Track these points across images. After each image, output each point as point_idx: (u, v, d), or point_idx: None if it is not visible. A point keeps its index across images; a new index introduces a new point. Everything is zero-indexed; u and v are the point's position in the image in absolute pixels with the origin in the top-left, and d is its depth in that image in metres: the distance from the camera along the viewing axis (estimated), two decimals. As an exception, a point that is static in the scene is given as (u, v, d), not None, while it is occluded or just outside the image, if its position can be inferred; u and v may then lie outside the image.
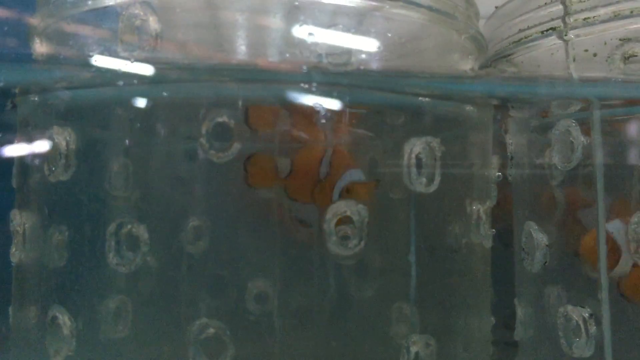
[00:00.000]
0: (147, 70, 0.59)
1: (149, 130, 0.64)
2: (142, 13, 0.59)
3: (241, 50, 0.62)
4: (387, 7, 0.64)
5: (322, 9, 0.62)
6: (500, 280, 0.75)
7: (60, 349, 0.61)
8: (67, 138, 0.62)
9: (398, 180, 0.64)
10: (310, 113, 0.62)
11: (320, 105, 0.61)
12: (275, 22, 0.62)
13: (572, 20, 0.69)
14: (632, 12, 0.65)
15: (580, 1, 0.67)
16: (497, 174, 0.74)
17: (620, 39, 0.67)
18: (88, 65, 0.61)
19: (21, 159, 0.69)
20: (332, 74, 0.61)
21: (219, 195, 0.66)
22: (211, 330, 0.58)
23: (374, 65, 0.64)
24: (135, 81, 0.60)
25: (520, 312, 0.75)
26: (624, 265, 0.66)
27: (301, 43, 0.60)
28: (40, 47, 0.67)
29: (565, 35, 0.69)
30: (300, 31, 0.60)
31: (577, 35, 0.68)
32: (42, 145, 0.64)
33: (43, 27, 0.66)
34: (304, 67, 0.60)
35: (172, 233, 0.64)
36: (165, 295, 0.63)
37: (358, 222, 0.59)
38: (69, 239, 0.63)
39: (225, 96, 0.62)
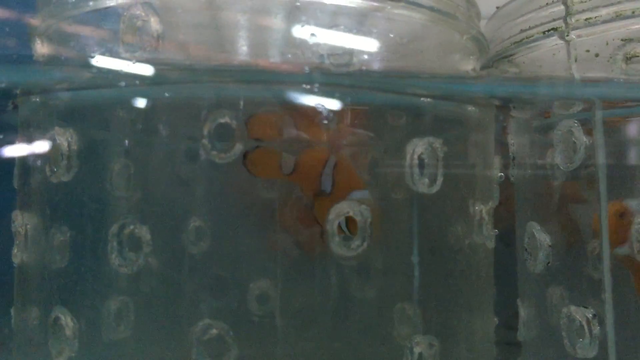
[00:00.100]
0: (148, 71, 0.59)
1: (151, 131, 0.64)
2: (143, 14, 0.59)
3: (243, 50, 0.62)
4: (389, 7, 0.64)
5: (323, 9, 0.62)
6: (502, 281, 0.75)
7: (63, 350, 0.61)
8: (69, 139, 0.62)
9: (400, 181, 0.64)
10: (312, 114, 0.61)
11: (322, 106, 0.61)
12: (276, 22, 0.62)
13: (573, 20, 0.68)
14: (633, 12, 0.65)
15: (582, 1, 0.67)
16: (499, 174, 0.74)
17: (622, 40, 0.67)
18: (89, 66, 0.61)
19: (23, 159, 0.68)
20: (333, 74, 0.61)
21: (220, 196, 0.65)
22: (214, 331, 0.58)
23: (376, 66, 0.64)
24: (136, 82, 0.60)
25: (523, 312, 0.75)
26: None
27: (303, 44, 0.60)
28: (41, 48, 0.67)
29: (567, 35, 0.69)
30: (302, 32, 0.60)
31: (579, 36, 0.68)
32: (43, 146, 0.64)
33: (44, 28, 0.66)
34: (306, 68, 0.60)
35: (174, 234, 0.64)
36: (168, 296, 0.63)
37: (361, 222, 0.59)
38: (71, 240, 0.63)
39: (227, 97, 0.61)
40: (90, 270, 0.63)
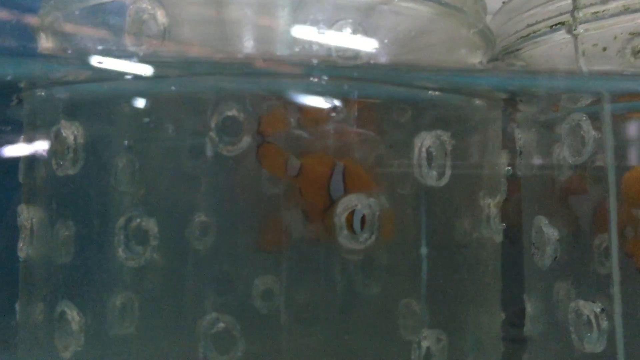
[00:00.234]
0: (154, 64, 0.59)
1: (157, 125, 0.63)
2: (149, 7, 0.59)
3: (249, 44, 0.62)
4: (396, 0, 0.63)
5: (330, 2, 0.61)
6: (508, 276, 0.74)
7: (69, 344, 0.60)
8: (75, 132, 0.62)
9: (408, 175, 0.63)
10: (320, 108, 0.61)
11: (330, 99, 0.61)
12: (283, 15, 0.62)
13: (581, 14, 0.68)
14: (642, 5, 0.65)
15: (589, -5, 0.67)
16: (507, 168, 0.74)
17: (630, 33, 0.67)
18: (95, 60, 0.60)
19: (28, 153, 0.68)
20: (341, 67, 0.60)
21: (226, 191, 0.65)
22: (221, 325, 0.58)
23: (383, 59, 0.64)
24: (143, 75, 0.60)
25: (530, 307, 0.75)
26: None
27: (310, 37, 0.60)
28: (46, 42, 0.66)
29: (574, 29, 0.68)
30: (309, 25, 0.60)
31: (587, 30, 0.68)
32: (49, 140, 0.63)
33: (49, 22, 0.66)
34: (314, 61, 0.60)
35: (180, 228, 0.64)
36: (174, 291, 0.63)
37: (369, 215, 0.59)
38: (77, 234, 0.63)
39: (233, 90, 0.61)
40: (96, 264, 0.63)
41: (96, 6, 0.63)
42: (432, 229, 0.65)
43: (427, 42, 0.70)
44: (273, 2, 0.62)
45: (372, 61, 0.62)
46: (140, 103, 0.62)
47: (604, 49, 0.69)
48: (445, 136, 0.63)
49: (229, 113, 0.59)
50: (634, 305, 0.65)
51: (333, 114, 0.61)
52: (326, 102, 0.61)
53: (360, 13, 0.62)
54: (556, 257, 0.69)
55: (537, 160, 0.76)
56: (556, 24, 0.71)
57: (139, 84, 0.61)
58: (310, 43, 0.61)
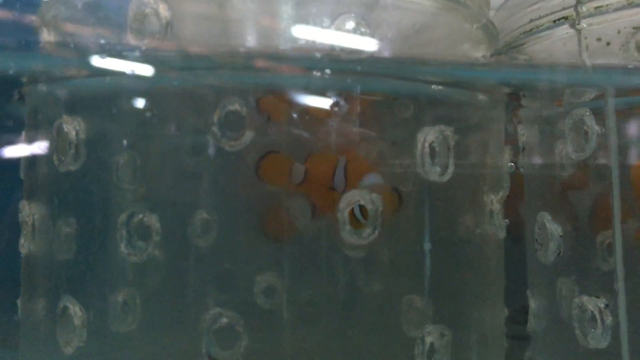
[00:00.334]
0: (157, 59, 0.59)
1: (160, 120, 0.63)
2: (152, 1, 0.58)
3: (252, 39, 0.62)
4: (399, -6, 0.63)
5: (334, -4, 0.61)
6: (510, 272, 0.74)
7: (71, 339, 0.60)
8: (77, 127, 0.61)
9: (411, 170, 0.63)
10: (323, 101, 0.61)
11: (333, 93, 0.60)
12: (286, 10, 0.61)
13: (584, 8, 0.68)
14: (645, -1, 0.65)
15: (593, -11, 0.67)
16: (510, 164, 0.74)
17: (634, 27, 0.67)
18: (97, 54, 0.60)
19: (30, 149, 0.68)
20: (344, 61, 0.60)
21: (228, 188, 0.65)
22: (224, 320, 0.58)
23: (386, 54, 0.63)
24: (144, 70, 0.59)
25: (533, 303, 0.75)
26: None
27: (313, 31, 0.60)
28: (48, 36, 0.66)
29: (578, 24, 0.68)
30: (312, 19, 0.60)
31: (590, 24, 0.68)
32: (51, 135, 0.63)
33: (51, 16, 0.65)
34: (317, 55, 0.59)
35: (182, 224, 0.64)
36: (177, 286, 0.63)
37: (372, 211, 0.59)
38: (79, 229, 0.63)
39: (236, 84, 0.61)
40: (98, 260, 0.62)
41: (98, 1, 0.63)
42: (435, 224, 0.65)
43: (430, 37, 0.69)
44: (277, -5, 0.62)
45: (375, 55, 0.62)
46: (142, 98, 0.62)
47: (608, 44, 0.69)
48: (449, 131, 0.62)
49: (231, 108, 0.58)
50: (638, 301, 0.64)
51: (336, 109, 0.61)
52: (329, 96, 0.61)
53: (363, 7, 0.62)
54: (560, 253, 0.69)
55: (540, 156, 0.76)
56: (559, 19, 0.70)
57: (140, 79, 0.60)
58: (313, 37, 0.60)
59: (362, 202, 0.59)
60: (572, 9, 0.69)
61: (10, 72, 0.60)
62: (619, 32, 0.68)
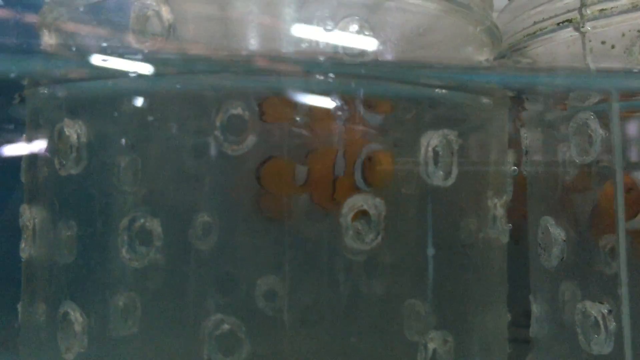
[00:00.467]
0: (158, 62, 0.58)
1: (161, 124, 0.63)
2: (154, 3, 0.58)
3: (254, 42, 0.61)
4: (403, -3, 0.63)
5: (337, -1, 0.61)
6: (513, 276, 0.74)
7: (72, 345, 0.60)
8: (78, 131, 0.61)
9: (414, 174, 0.63)
10: (325, 106, 0.61)
11: (336, 97, 0.60)
12: (289, 13, 0.61)
13: (588, 11, 0.67)
14: (650, 3, 0.64)
15: (597, -8, 0.67)
16: (513, 168, 0.73)
17: (638, 30, 0.66)
18: (98, 57, 0.60)
19: (30, 153, 0.67)
20: (347, 65, 0.60)
21: (229, 191, 0.65)
22: (226, 327, 0.57)
23: (390, 57, 0.63)
24: (147, 73, 0.59)
25: (536, 308, 0.74)
26: None
27: (316, 34, 0.59)
28: (49, 39, 0.66)
29: (582, 27, 0.68)
30: (315, 22, 0.59)
31: (594, 27, 0.67)
32: (52, 139, 0.63)
33: (52, 18, 0.65)
34: (320, 58, 0.59)
35: (184, 229, 0.63)
36: (178, 292, 0.62)
37: (375, 216, 0.58)
38: (80, 234, 0.62)
39: (238, 88, 0.61)
40: (99, 265, 0.62)
41: (100, 2, 0.62)
42: (438, 229, 0.65)
43: (433, 39, 0.69)
44: (278, -1, 0.61)
45: (378, 58, 0.62)
46: (144, 101, 0.61)
47: (612, 47, 0.68)
48: (452, 135, 0.62)
49: (234, 112, 0.58)
50: (641, 306, 0.64)
51: (339, 113, 0.60)
52: (332, 100, 0.61)
53: (366, 10, 0.61)
54: (563, 258, 0.68)
55: (543, 160, 0.75)
56: (563, 22, 0.70)
57: (143, 82, 0.60)
58: (316, 40, 0.60)
59: (364, 207, 0.58)
60: (576, 11, 0.68)
61: (11, 75, 0.59)
62: (623, 35, 0.67)
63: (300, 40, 0.60)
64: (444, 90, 0.65)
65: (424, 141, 0.62)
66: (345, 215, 0.59)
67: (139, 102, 0.61)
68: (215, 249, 0.64)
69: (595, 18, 0.67)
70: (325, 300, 0.63)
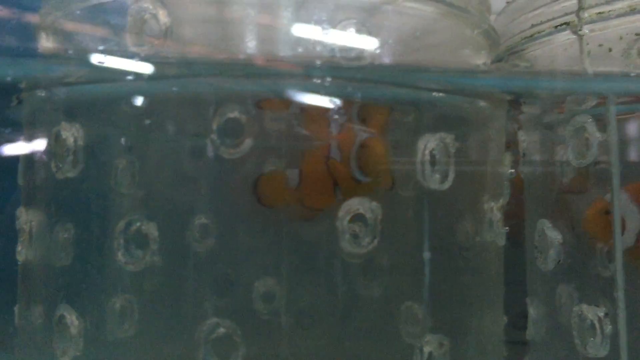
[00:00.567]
0: (156, 65, 0.58)
1: (158, 127, 0.63)
2: (151, 7, 0.58)
3: (251, 45, 0.61)
4: (400, 0, 0.63)
5: (333, 2, 0.61)
6: (509, 279, 0.74)
7: (68, 349, 0.60)
8: (75, 134, 0.61)
9: (411, 177, 0.63)
10: (323, 110, 0.61)
11: (333, 100, 0.60)
12: (286, 15, 0.61)
13: (586, 14, 0.68)
14: (648, 6, 0.64)
15: (595, -5, 0.67)
16: (510, 170, 0.73)
17: (636, 34, 0.66)
18: (95, 60, 0.60)
19: (28, 155, 0.67)
20: (344, 68, 0.60)
21: (226, 193, 0.65)
22: (222, 330, 0.57)
23: (387, 60, 0.63)
24: (144, 76, 0.59)
25: (532, 311, 0.75)
26: (629, 236, 0.66)
27: (313, 37, 0.59)
28: (46, 42, 0.66)
29: (580, 30, 0.68)
30: (312, 25, 0.59)
31: (592, 30, 0.67)
32: (49, 142, 0.63)
33: (50, 21, 0.65)
34: (317, 62, 0.59)
35: (180, 232, 0.63)
36: (174, 295, 0.62)
37: (371, 219, 0.58)
38: (77, 237, 0.62)
39: (236, 91, 0.61)
40: (95, 268, 0.62)
41: (97, 6, 0.62)
42: (434, 232, 0.65)
43: (431, 42, 0.69)
44: (276, 2, 0.61)
45: (375, 62, 0.62)
46: (141, 104, 0.61)
47: (610, 50, 0.68)
48: (449, 139, 0.62)
49: (231, 115, 0.58)
50: (638, 310, 0.64)
51: (336, 117, 0.60)
52: (328, 103, 0.61)
53: (363, 13, 0.61)
54: (559, 261, 0.68)
55: (540, 163, 0.75)
56: (561, 24, 0.70)
57: (140, 85, 0.60)
58: (313, 44, 0.60)
59: (361, 211, 0.59)
60: (574, 14, 0.68)
61: (9, 77, 0.59)
62: (620, 38, 0.67)
63: (297, 44, 0.60)
64: (441, 94, 0.65)
65: (421, 144, 0.62)
66: (341, 218, 0.59)
67: (136, 105, 0.61)
68: (212, 252, 0.64)
69: (592, 21, 0.67)
70: (322, 304, 0.63)
